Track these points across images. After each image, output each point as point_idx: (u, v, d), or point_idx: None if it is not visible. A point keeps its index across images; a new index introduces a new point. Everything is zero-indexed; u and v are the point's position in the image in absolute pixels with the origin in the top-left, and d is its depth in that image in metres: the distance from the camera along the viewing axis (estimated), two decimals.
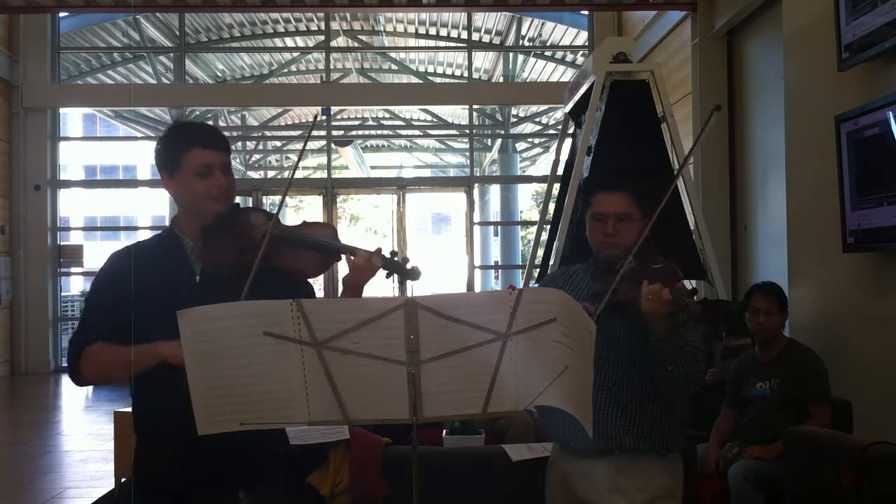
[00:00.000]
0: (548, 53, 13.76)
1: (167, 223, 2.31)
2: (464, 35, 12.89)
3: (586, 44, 12.07)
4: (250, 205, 11.07)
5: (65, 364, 11.59)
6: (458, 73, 14.46)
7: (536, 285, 6.32)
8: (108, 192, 24.57)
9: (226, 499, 2.13)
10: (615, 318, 2.32)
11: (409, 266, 2.16)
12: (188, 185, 2.15)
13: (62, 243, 11.90)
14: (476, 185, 12.70)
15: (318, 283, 10.83)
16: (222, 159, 2.18)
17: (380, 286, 2.26)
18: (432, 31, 13.44)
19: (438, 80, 14.64)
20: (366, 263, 2.13)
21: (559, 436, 2.48)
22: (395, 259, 2.17)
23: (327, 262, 2.18)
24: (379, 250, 2.16)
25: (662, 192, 2.39)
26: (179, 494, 2.12)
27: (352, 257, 2.15)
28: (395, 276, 2.18)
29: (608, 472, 2.37)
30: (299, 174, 14.05)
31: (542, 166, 19.09)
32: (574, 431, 2.30)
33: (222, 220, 2.14)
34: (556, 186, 6.62)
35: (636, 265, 2.30)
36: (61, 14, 11.58)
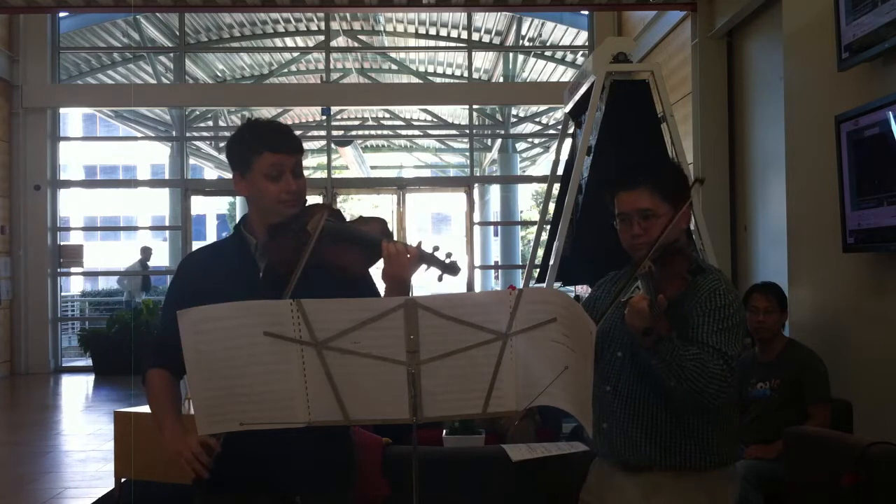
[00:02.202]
0: (548, 53, 13.75)
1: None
2: (464, 35, 12.87)
3: (586, 44, 12.06)
4: None
5: (64, 364, 11.68)
6: (458, 73, 14.45)
7: (537, 285, 6.31)
8: (108, 192, 24.59)
9: (283, 502, 2.13)
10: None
11: (448, 261, 2.06)
12: (259, 188, 2.14)
13: (62, 243, 11.89)
14: (476, 185, 12.69)
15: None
16: (293, 161, 2.15)
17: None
18: (432, 32, 13.44)
19: (438, 80, 14.63)
20: (397, 253, 2.04)
21: (597, 447, 2.39)
22: (436, 254, 2.07)
23: (370, 256, 2.11)
24: (419, 244, 2.08)
25: (680, 186, 2.33)
26: (240, 493, 2.12)
27: (387, 248, 2.06)
28: (437, 271, 2.08)
29: (641, 491, 2.26)
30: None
31: (542, 166, 19.07)
32: (613, 445, 2.28)
33: (287, 219, 2.15)
34: (556, 186, 6.62)
35: (655, 270, 2.11)
36: (61, 14, 11.55)
